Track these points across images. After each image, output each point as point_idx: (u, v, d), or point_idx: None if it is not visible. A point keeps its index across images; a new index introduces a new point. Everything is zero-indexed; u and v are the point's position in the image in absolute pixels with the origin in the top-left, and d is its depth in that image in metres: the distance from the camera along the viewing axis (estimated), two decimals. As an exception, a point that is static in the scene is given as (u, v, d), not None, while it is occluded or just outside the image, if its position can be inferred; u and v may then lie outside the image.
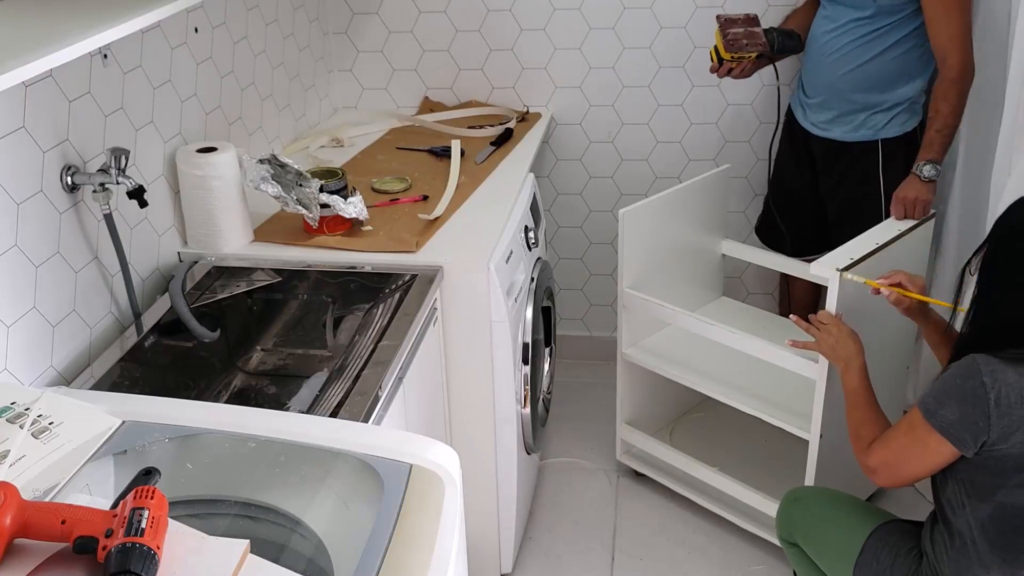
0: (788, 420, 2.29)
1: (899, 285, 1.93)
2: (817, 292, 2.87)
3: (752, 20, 2.46)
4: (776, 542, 2.40)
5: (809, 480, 2.26)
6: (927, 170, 2.30)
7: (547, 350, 2.48)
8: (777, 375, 2.35)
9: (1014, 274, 1.60)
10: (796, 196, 2.70)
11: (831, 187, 2.60)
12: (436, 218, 2.17)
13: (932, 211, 2.33)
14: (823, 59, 2.47)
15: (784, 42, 2.49)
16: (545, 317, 2.40)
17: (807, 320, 2.06)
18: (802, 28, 2.57)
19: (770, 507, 2.38)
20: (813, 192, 2.66)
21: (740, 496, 2.45)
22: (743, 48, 2.43)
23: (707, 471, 2.51)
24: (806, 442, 2.24)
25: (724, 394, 2.41)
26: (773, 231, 2.79)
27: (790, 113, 2.67)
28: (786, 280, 2.92)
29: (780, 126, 2.67)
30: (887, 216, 2.37)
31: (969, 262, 1.70)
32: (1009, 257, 1.61)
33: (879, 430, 1.79)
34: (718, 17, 2.47)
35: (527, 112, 2.95)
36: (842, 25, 2.41)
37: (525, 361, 2.21)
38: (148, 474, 1.10)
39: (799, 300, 2.87)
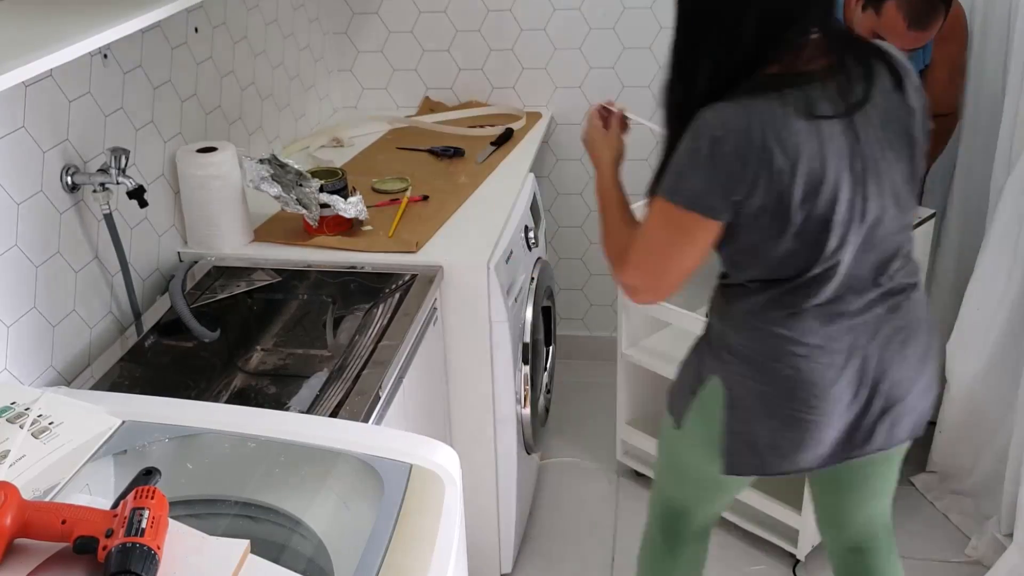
0: (788, 420, 2.29)
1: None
2: None
3: None
4: (777, 542, 2.41)
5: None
6: None
7: (547, 350, 2.48)
8: (777, 375, 2.34)
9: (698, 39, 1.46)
10: None
11: None
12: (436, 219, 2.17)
13: (932, 211, 2.33)
14: None
15: None
16: (545, 317, 2.40)
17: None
18: None
19: (770, 507, 2.38)
20: None
21: (740, 496, 2.45)
22: None
23: (707, 471, 2.50)
24: (806, 442, 2.24)
25: (724, 394, 2.41)
26: None
27: None
28: None
29: None
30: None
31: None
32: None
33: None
34: None
35: (517, 122, 2.94)
36: None
37: (525, 361, 2.21)
38: (148, 474, 1.10)
39: None
